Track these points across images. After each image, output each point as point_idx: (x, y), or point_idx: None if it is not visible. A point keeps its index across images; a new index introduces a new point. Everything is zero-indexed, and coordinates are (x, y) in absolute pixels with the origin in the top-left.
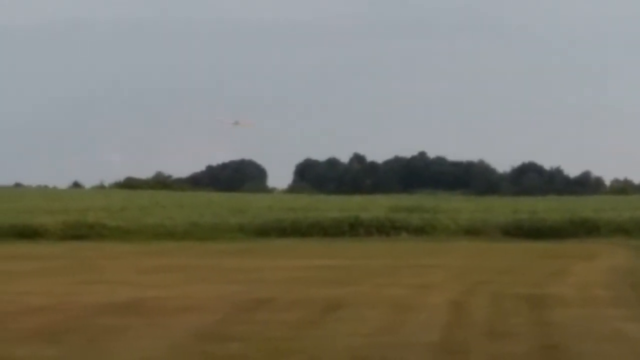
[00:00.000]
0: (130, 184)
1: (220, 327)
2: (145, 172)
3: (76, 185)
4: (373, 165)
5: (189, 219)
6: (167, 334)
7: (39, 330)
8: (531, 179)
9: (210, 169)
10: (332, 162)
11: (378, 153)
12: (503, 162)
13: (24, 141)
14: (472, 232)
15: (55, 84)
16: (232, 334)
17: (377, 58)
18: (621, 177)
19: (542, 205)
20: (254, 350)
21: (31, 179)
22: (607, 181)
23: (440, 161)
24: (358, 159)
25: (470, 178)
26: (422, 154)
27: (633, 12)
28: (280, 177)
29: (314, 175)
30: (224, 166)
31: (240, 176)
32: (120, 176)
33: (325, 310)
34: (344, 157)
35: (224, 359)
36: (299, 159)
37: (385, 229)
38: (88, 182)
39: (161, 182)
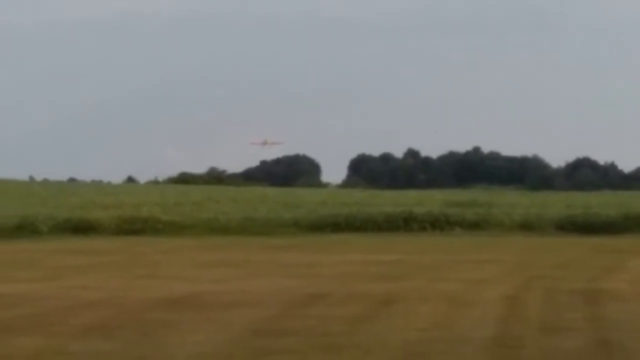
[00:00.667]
0: (184, 179)
1: (275, 321)
2: (199, 167)
3: (130, 180)
4: (427, 160)
5: (243, 214)
6: (222, 329)
7: (94, 325)
8: (585, 174)
9: (264, 164)
10: (386, 157)
11: (432, 148)
12: (557, 157)
13: (78, 136)
14: (526, 227)
15: (111, 79)
16: (287, 328)
17: (431, 54)
18: None
19: (596, 200)
20: (308, 345)
21: (85, 174)
22: None
23: (494, 156)
24: (412, 154)
25: (524, 173)
26: (476, 149)
27: None
28: (334, 172)
29: (367, 170)
30: (278, 161)
31: (294, 171)
32: (175, 171)
33: (379, 305)
34: (398, 152)
35: (279, 354)
36: (353, 154)
37: (439, 223)
38: (142, 177)
39: (215, 177)
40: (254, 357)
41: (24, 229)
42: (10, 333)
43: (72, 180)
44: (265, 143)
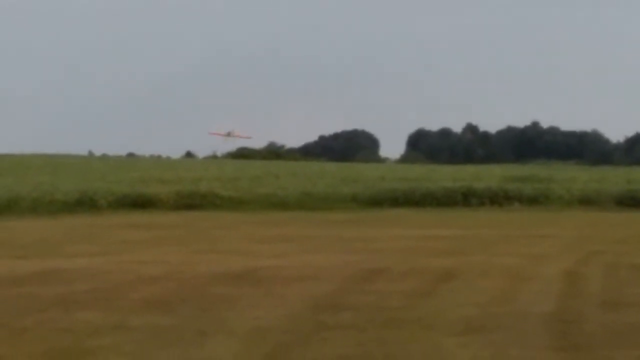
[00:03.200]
0: (243, 154)
1: (334, 296)
2: (258, 143)
3: (189, 155)
4: (486, 135)
5: (301, 189)
6: (281, 304)
7: (153, 300)
8: None
9: (322, 139)
10: (445, 132)
11: (491, 123)
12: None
13: (137, 111)
14: (586, 202)
15: (171, 55)
16: (346, 303)
17: (491, 28)
18: None
19: None
20: (367, 320)
21: (144, 149)
22: None
23: (553, 131)
24: (471, 129)
25: (583, 148)
26: (535, 124)
27: None
28: (392, 147)
29: (426, 146)
30: (336, 136)
31: (352, 146)
32: (233, 146)
33: (439, 280)
34: (457, 127)
35: (338, 329)
36: (412, 129)
37: (498, 198)
38: (201, 152)
39: (274, 152)
40: (313, 332)
41: (83, 204)
42: (71, 307)
43: (131, 155)
44: (228, 135)
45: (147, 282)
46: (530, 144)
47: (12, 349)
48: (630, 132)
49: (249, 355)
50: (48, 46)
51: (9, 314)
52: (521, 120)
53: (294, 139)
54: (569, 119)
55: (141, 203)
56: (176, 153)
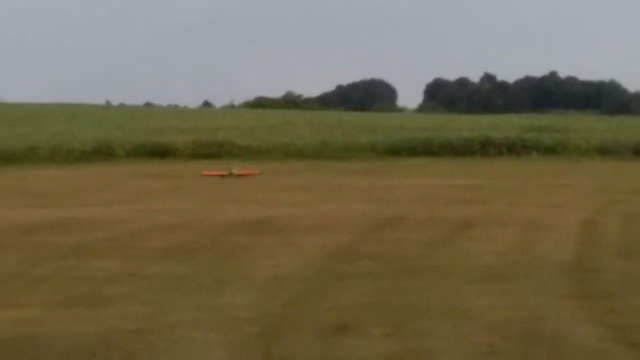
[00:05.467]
0: (260, 104)
1: (351, 245)
2: (275, 92)
3: (206, 104)
4: (503, 85)
5: (319, 138)
6: (298, 252)
7: (171, 248)
8: None
9: (340, 88)
10: (463, 82)
11: (508, 73)
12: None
13: (155, 61)
14: (603, 151)
15: (188, 3)
16: (363, 252)
17: None
18: None
19: None
20: (385, 269)
21: (162, 99)
22: None
23: (571, 81)
24: (488, 78)
25: (601, 98)
26: (552, 74)
27: None
28: (410, 97)
29: (444, 95)
30: (354, 86)
31: (370, 96)
32: (251, 95)
33: (456, 229)
34: (474, 77)
35: (356, 278)
36: (429, 78)
37: (515, 148)
38: (218, 101)
39: (291, 102)
40: (330, 280)
41: (101, 153)
42: (89, 256)
43: (148, 104)
44: (230, 174)
45: (164, 230)
46: (548, 93)
47: (30, 297)
48: None
49: (266, 303)
50: None
51: (27, 262)
52: (539, 70)
53: (311, 89)
54: (586, 68)
55: (159, 152)
56: (194, 103)
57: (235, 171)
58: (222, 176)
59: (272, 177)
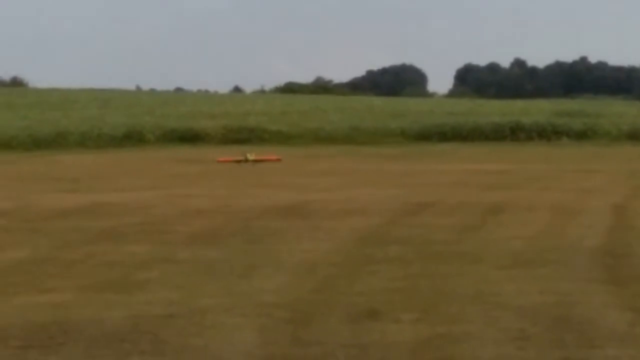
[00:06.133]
0: (290, 89)
1: (381, 230)
2: (305, 77)
3: (237, 89)
4: (534, 70)
5: (349, 123)
6: (329, 237)
7: (202, 233)
8: None
9: (370, 73)
10: (493, 67)
11: (539, 58)
12: None
13: (185, 46)
14: (634, 136)
15: None
16: (393, 237)
17: None
18: None
19: None
20: (415, 254)
21: (192, 84)
22: None
23: (601, 66)
24: (519, 63)
25: (631, 83)
26: (583, 59)
27: None
28: (440, 82)
29: (474, 80)
30: (384, 71)
31: (400, 81)
32: (281, 81)
33: (486, 214)
34: (505, 62)
35: (386, 262)
36: (460, 63)
37: (546, 133)
38: (248, 86)
39: (322, 87)
40: (360, 265)
41: (131, 138)
42: (120, 240)
43: (178, 89)
44: (245, 160)
45: (195, 215)
46: (578, 78)
47: (61, 281)
48: None
49: (296, 288)
50: None
51: (58, 247)
52: (569, 55)
53: (341, 74)
54: (617, 53)
55: (189, 137)
56: (224, 88)
57: (251, 157)
58: (238, 162)
59: (303, 162)
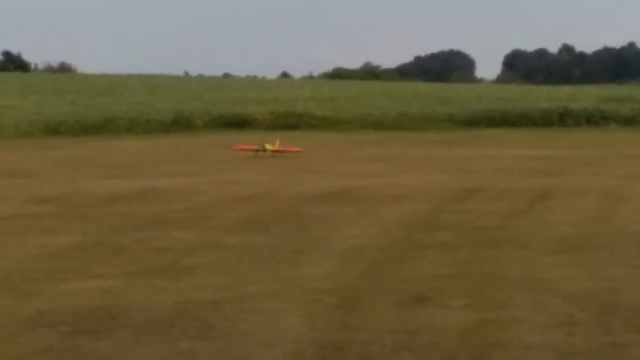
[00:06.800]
0: (339, 75)
1: (429, 216)
2: (354, 63)
3: (285, 75)
4: (582, 56)
5: (397, 109)
6: (377, 222)
7: (250, 219)
8: None
9: (418, 59)
10: (541, 53)
11: (587, 44)
12: None
13: (233, 32)
14: None
15: None
16: (441, 223)
17: None
18: None
19: None
20: (464, 240)
21: (240, 70)
22: None
23: None
24: (567, 49)
25: None
26: (631, 45)
27: None
28: (488, 68)
29: (522, 66)
30: (432, 57)
31: (448, 67)
32: (329, 67)
33: (535, 200)
34: (553, 48)
35: (434, 248)
36: (508, 49)
37: (594, 119)
38: (297, 72)
39: (370, 73)
40: (408, 251)
41: (180, 124)
42: (169, 227)
43: (226, 75)
44: (263, 150)
45: (243, 201)
46: (626, 64)
47: (109, 267)
48: None
49: (345, 273)
50: None
51: (107, 232)
52: (618, 41)
53: (390, 60)
54: None
55: (237, 123)
56: (272, 74)
57: (270, 147)
58: (256, 151)
59: (351, 148)
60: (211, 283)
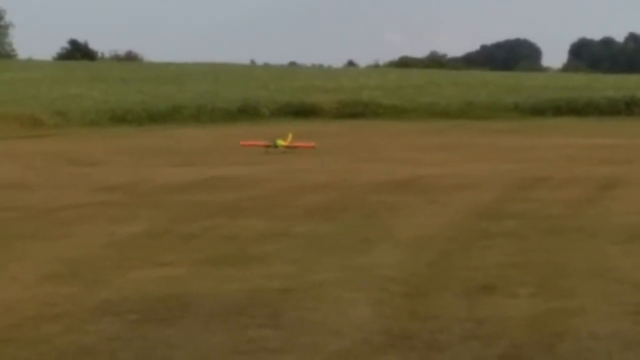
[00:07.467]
0: (404, 63)
1: (496, 204)
2: (419, 52)
3: (351, 64)
4: None
5: (463, 98)
6: (444, 211)
7: (317, 207)
8: None
9: (484, 48)
10: (607, 42)
11: None
12: None
13: (299, 20)
14: None
15: None
16: (508, 211)
17: None
18: None
19: None
20: (531, 228)
21: (306, 58)
22: None
23: None
24: (633, 38)
25: None
26: None
27: None
28: (554, 56)
29: (588, 55)
30: (499, 45)
31: (514, 55)
32: (395, 55)
33: (601, 188)
34: (619, 37)
35: (501, 237)
36: (574, 38)
37: None
38: (363, 61)
39: (436, 61)
40: (475, 239)
41: (246, 112)
42: (236, 215)
43: (292, 64)
44: (275, 146)
45: (310, 190)
46: None
47: (177, 255)
48: None
49: (413, 262)
50: None
51: (175, 220)
52: None
53: (455, 48)
54: None
55: (303, 112)
56: (338, 62)
57: (282, 142)
58: (266, 147)
59: (417, 136)
60: (279, 271)
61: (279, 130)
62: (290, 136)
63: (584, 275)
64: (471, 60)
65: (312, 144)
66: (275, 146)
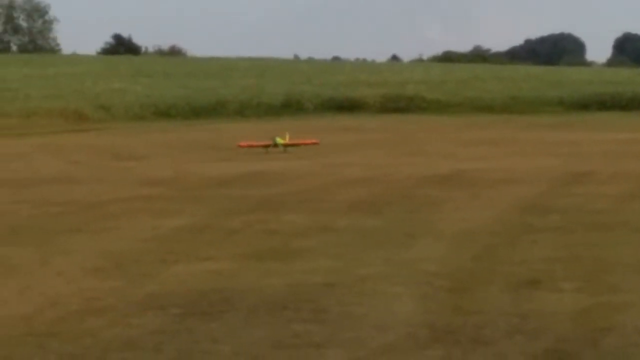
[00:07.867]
0: (448, 58)
1: (540, 199)
2: (463, 46)
3: (394, 58)
4: None
5: (507, 93)
6: (488, 206)
7: (360, 202)
8: None
9: (528, 42)
10: None
11: None
12: None
13: (343, 15)
14: None
15: None
16: (552, 206)
17: None
18: None
19: None
20: (575, 223)
21: (349, 53)
22: None
23: None
24: None
25: None
26: None
27: None
28: (598, 51)
29: (633, 49)
30: (542, 40)
31: (558, 50)
32: (439, 50)
33: None
34: None
35: (546, 231)
36: (618, 33)
37: None
38: (406, 55)
39: (479, 56)
40: (520, 234)
41: (290, 107)
42: (279, 209)
43: (336, 58)
44: (275, 145)
45: (353, 184)
46: None
47: (220, 249)
48: None
49: (457, 256)
50: None
51: (217, 215)
52: None
53: (499, 43)
54: None
55: (347, 106)
56: (381, 56)
57: (282, 140)
58: (265, 146)
59: (461, 131)
60: (322, 265)
61: (325, 124)
62: (287, 135)
63: (628, 270)
64: (515, 55)
65: (316, 140)
66: (276, 144)
